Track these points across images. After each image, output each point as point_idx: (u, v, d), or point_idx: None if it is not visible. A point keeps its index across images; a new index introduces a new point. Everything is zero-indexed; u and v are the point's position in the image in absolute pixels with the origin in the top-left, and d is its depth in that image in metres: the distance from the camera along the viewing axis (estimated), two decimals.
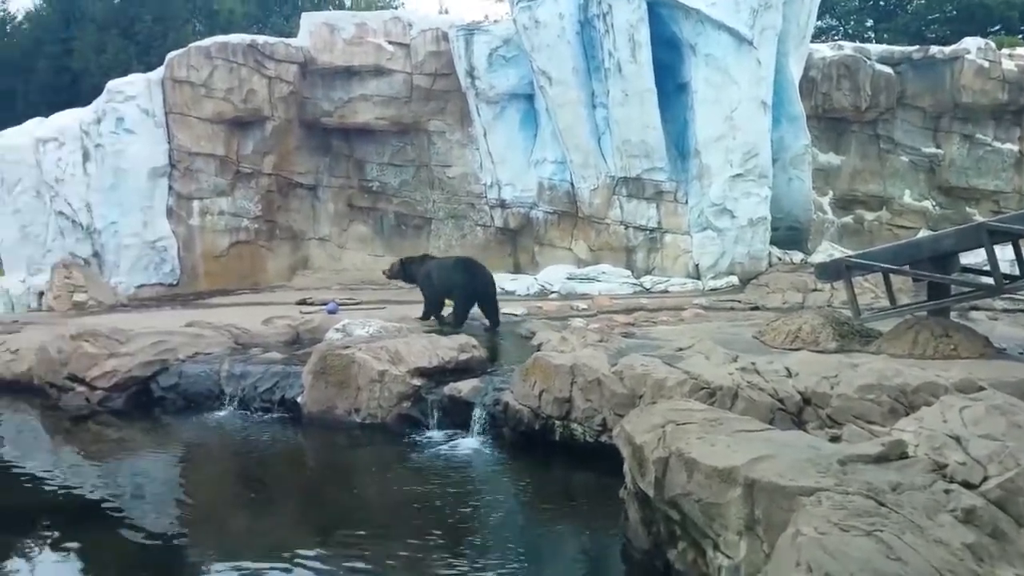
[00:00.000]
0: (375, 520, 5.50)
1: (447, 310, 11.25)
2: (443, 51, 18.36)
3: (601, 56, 16.46)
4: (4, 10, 27.78)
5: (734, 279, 16.04)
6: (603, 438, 6.02)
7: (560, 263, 17.52)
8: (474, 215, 19.05)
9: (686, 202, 16.66)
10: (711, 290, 15.60)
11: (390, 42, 18.55)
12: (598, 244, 17.35)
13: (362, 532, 5.22)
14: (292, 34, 20.60)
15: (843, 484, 3.47)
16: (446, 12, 29.36)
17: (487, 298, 11.08)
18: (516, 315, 11.94)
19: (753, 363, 6.27)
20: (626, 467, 4.68)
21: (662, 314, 11.75)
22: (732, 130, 15.90)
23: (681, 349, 7.29)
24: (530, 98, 18.05)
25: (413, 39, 18.57)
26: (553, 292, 16.12)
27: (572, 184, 17.57)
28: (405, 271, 11.94)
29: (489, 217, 18.76)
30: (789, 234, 17.44)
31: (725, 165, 16.01)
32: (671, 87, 16.57)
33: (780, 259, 16.78)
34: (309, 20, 19.05)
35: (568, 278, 16.55)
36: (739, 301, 13.64)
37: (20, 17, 27.98)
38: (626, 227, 17.08)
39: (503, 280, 17.07)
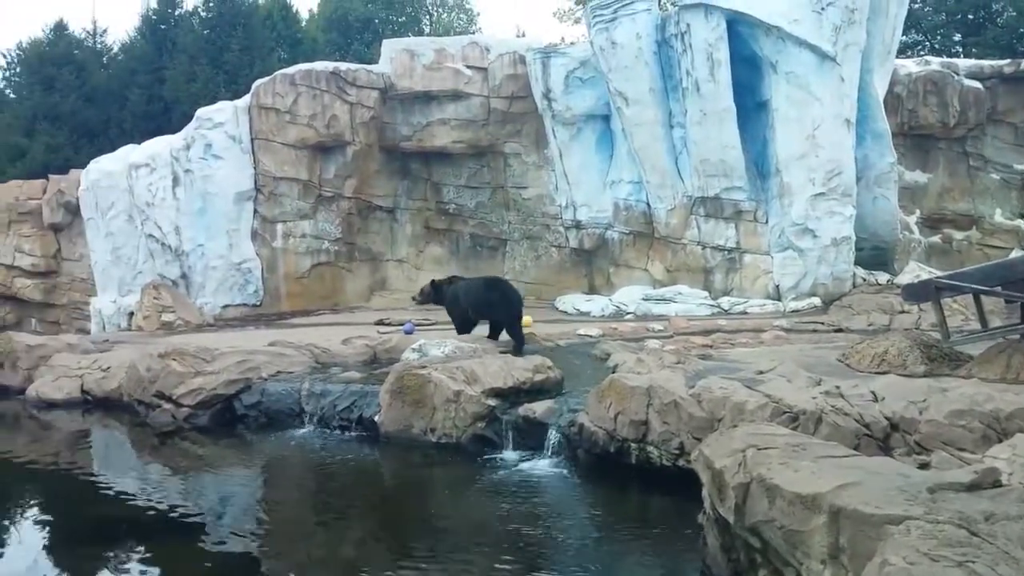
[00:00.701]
0: (450, 540, 5.50)
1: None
2: (520, 74, 18.51)
3: (679, 75, 16.35)
4: (102, 43, 29.12)
5: (816, 300, 15.63)
6: (680, 462, 5.90)
7: (635, 284, 17.38)
8: (549, 236, 19.08)
9: (766, 222, 16.35)
10: (792, 311, 15.22)
11: (468, 66, 18.80)
12: (675, 265, 17.16)
13: (437, 552, 5.22)
14: (372, 61, 21.10)
15: (933, 513, 3.31)
16: (523, 35, 29.61)
17: (512, 318, 10.72)
18: (591, 336, 11.87)
19: (837, 387, 6.08)
20: (705, 492, 4.57)
21: (741, 336, 11.53)
22: (814, 148, 15.57)
23: (761, 372, 7.11)
24: (606, 119, 18.03)
25: (491, 63, 18.79)
26: (628, 313, 15.99)
27: (648, 204, 17.46)
28: (436, 293, 11.72)
29: (564, 238, 18.76)
30: (874, 254, 16.92)
31: (807, 184, 15.67)
32: (751, 105, 16.34)
33: (865, 280, 16.31)
34: (390, 47, 19.46)
35: (644, 299, 16.40)
36: (822, 323, 13.29)
37: (116, 49, 29.27)
38: (703, 247, 16.85)
39: (578, 301, 17.07)
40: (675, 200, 17.00)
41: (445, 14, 38.98)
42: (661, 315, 15.20)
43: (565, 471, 6.63)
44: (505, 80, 18.68)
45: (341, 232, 19.28)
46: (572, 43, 21.61)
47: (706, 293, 16.46)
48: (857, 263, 16.31)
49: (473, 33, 32.69)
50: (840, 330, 12.50)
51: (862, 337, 9.53)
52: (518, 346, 10.44)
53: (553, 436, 6.89)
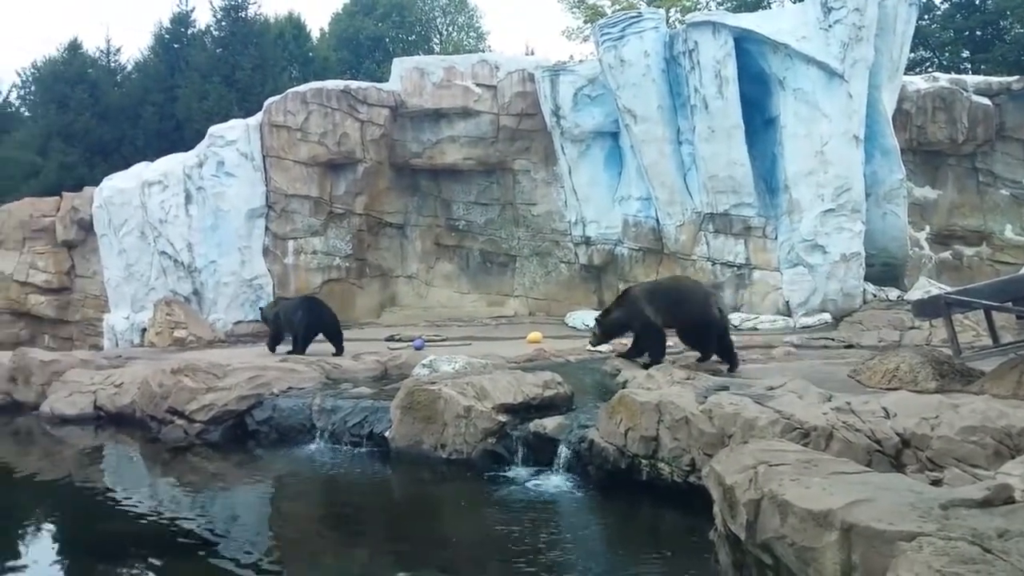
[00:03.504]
0: (461, 556, 5.51)
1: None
2: (529, 91, 18.62)
3: (687, 93, 16.43)
4: (115, 61, 29.40)
5: (827, 316, 15.61)
6: (691, 478, 5.91)
7: None
8: (559, 252, 19.12)
9: (775, 238, 16.37)
10: (802, 327, 15.20)
11: (478, 84, 18.93)
12: None
13: (448, 568, 5.24)
14: (383, 79, 21.24)
15: (946, 529, 3.32)
16: (532, 53, 29.75)
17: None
18: (601, 352, 11.87)
19: (848, 403, 6.08)
20: (716, 508, 4.58)
21: (751, 352, 11.50)
22: (823, 165, 15.61)
23: (772, 388, 7.11)
24: (615, 136, 18.11)
25: (500, 81, 18.90)
26: None
27: (657, 221, 17.50)
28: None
29: (573, 254, 18.80)
30: (884, 270, 16.91)
31: (816, 200, 15.69)
32: (759, 122, 16.40)
33: (875, 296, 16.27)
34: (400, 65, 19.60)
35: None
36: (832, 339, 13.26)
37: (129, 67, 29.57)
38: (713, 263, 16.86)
39: (588, 317, 17.03)
40: (684, 216, 17.04)
41: (455, 33, 39.30)
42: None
43: (576, 487, 6.64)
44: (514, 98, 18.78)
45: (352, 248, 19.36)
46: (581, 61, 21.72)
47: None
48: (867, 279, 16.29)
49: (482, 51, 32.92)
50: (851, 346, 12.47)
51: (873, 353, 9.51)
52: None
53: (564, 452, 6.90)
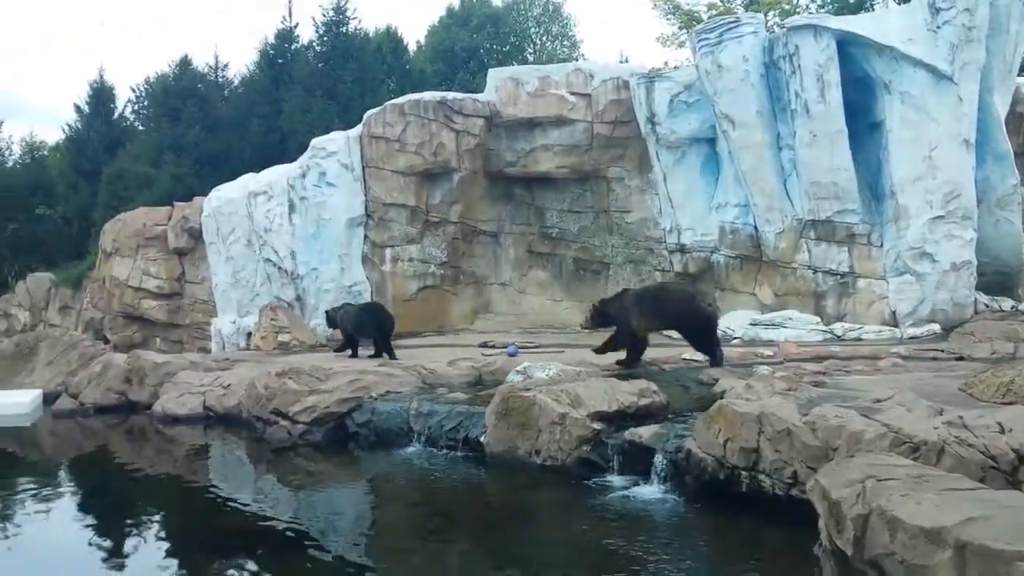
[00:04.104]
0: (553, 562, 5.51)
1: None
2: (623, 99, 18.53)
3: (787, 97, 16.06)
4: (223, 77, 30.61)
5: (935, 327, 14.97)
6: (794, 491, 5.76)
7: (742, 308, 17.04)
8: (653, 260, 18.94)
9: (881, 245, 15.81)
10: (910, 338, 14.62)
11: (572, 93, 18.94)
12: (784, 289, 16.76)
13: (537, 571, 5.24)
14: (477, 89, 21.51)
15: None
16: (626, 61, 29.65)
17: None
18: (696, 361, 11.69)
19: (961, 417, 5.82)
20: (821, 523, 4.47)
21: (856, 363, 11.14)
22: (931, 170, 15.02)
23: (879, 400, 6.88)
24: (711, 142, 17.84)
25: (594, 89, 18.87)
26: (735, 338, 15.67)
27: (756, 228, 17.14)
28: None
29: (668, 262, 18.58)
30: (997, 279, 16.12)
31: (924, 207, 15.10)
32: (863, 127, 15.90)
33: (988, 306, 15.54)
34: (495, 75, 19.80)
35: (751, 324, 16.06)
36: (942, 351, 12.71)
37: (236, 82, 30.73)
38: (815, 271, 16.41)
39: None
40: (784, 223, 16.64)
41: (549, 42, 39.42)
42: (770, 341, 14.84)
43: (672, 497, 6.56)
44: (608, 105, 18.73)
45: (447, 256, 19.64)
46: (676, 67, 21.54)
47: (818, 318, 15.99)
48: (979, 288, 15.57)
49: (576, 60, 32.96)
50: (961, 358, 11.93)
51: (986, 366, 9.09)
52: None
53: (660, 461, 6.82)
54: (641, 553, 5.40)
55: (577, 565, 5.39)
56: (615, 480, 7.02)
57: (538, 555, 5.66)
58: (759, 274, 17.24)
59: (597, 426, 7.48)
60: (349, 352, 13.91)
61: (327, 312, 15.53)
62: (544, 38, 39.58)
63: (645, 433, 7.19)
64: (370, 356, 13.23)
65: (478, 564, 5.55)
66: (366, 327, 13.78)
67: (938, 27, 14.90)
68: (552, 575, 5.22)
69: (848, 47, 15.47)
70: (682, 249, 18.19)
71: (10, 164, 32.15)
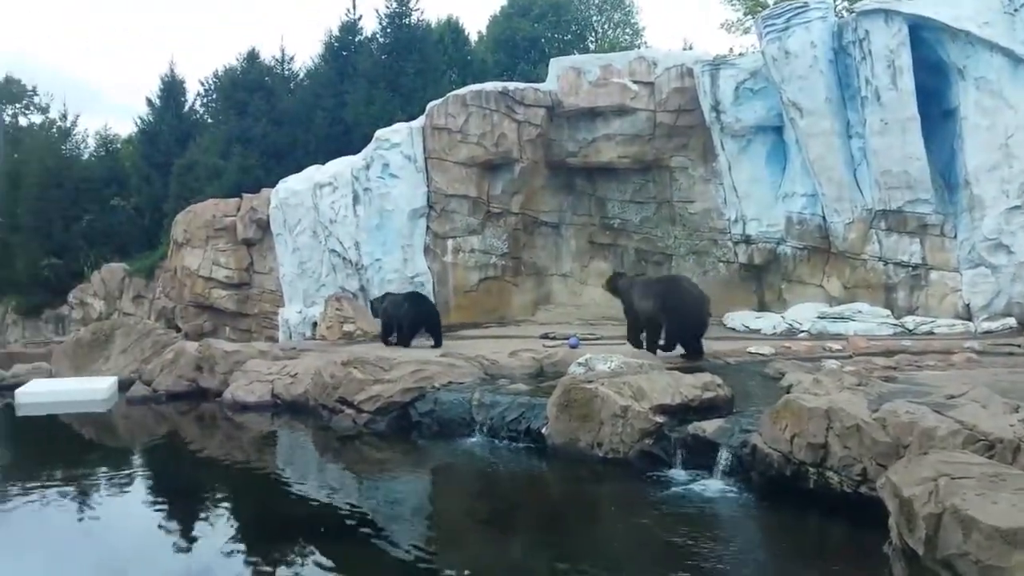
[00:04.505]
0: (615, 556, 5.48)
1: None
2: (687, 87, 18.30)
3: (857, 84, 15.66)
4: (289, 69, 31.08)
5: (1011, 321, 14.49)
6: (863, 488, 5.62)
7: (810, 301, 16.73)
8: (716, 251, 18.70)
9: (954, 236, 15.34)
10: (985, 333, 14.17)
11: (634, 81, 18.79)
12: (853, 281, 16.39)
13: (602, 567, 5.22)
14: (537, 80, 21.45)
15: None
16: (690, 48, 29.19)
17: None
18: (762, 354, 11.51)
19: None
20: (891, 521, 4.36)
21: (928, 358, 10.84)
22: (1008, 158, 14.50)
23: (952, 396, 6.66)
24: (778, 130, 17.51)
25: (657, 77, 18.69)
26: (802, 332, 15.40)
27: (824, 218, 16.78)
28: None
29: (733, 253, 18.33)
30: None
31: (1000, 196, 14.59)
32: (936, 113, 15.42)
33: None
34: (557, 65, 19.74)
35: (819, 317, 15.75)
36: (1018, 345, 12.28)
37: (302, 75, 31.17)
38: (885, 263, 16.00)
39: (748, 318, 16.59)
40: (853, 214, 16.26)
41: (611, 30, 39.08)
42: (838, 334, 14.55)
43: (737, 493, 6.46)
44: (672, 93, 18.52)
45: (508, 247, 19.69)
46: (741, 54, 21.16)
47: (888, 312, 15.60)
48: None
49: (639, 48, 32.61)
50: None
51: None
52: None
53: (724, 456, 6.72)
54: (704, 549, 5.34)
55: (639, 560, 5.35)
56: (678, 474, 6.94)
57: (599, 549, 5.65)
58: (827, 266, 16.89)
59: (660, 419, 7.41)
60: (395, 340, 14.48)
61: (371, 302, 16.05)
62: (606, 26, 39.25)
63: (709, 427, 7.09)
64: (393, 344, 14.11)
65: (538, 556, 5.55)
66: (411, 317, 14.24)
67: (1016, 9, 14.38)
68: (613, 570, 5.19)
69: (920, 31, 15.01)
70: (747, 240, 17.91)
71: (86, 157, 33.20)
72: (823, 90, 16.01)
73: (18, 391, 11.96)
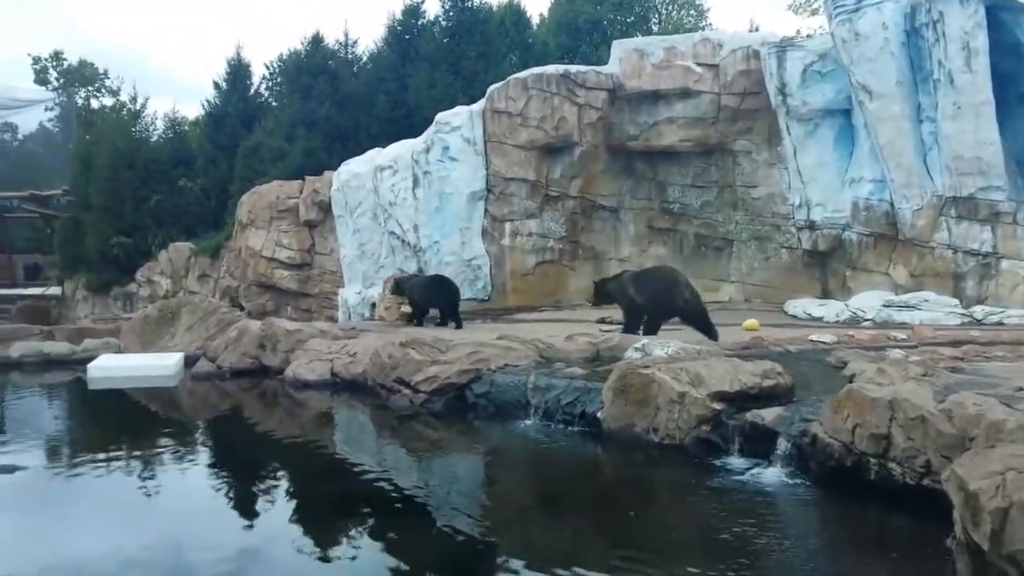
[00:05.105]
0: (670, 543, 5.46)
1: None
2: (753, 69, 17.97)
3: (929, 67, 15.18)
4: (352, 53, 31.35)
5: None
6: (926, 481, 5.49)
7: (875, 289, 16.34)
8: (779, 237, 18.38)
9: None
10: None
11: (698, 63, 18.51)
12: (920, 269, 15.95)
13: (656, 552, 5.20)
14: (600, 62, 21.28)
15: None
16: (756, 30, 28.61)
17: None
18: (825, 343, 11.28)
19: None
20: (956, 515, 4.25)
21: (996, 348, 10.49)
22: None
23: (1021, 389, 6.46)
24: (846, 114, 17.08)
25: (722, 59, 18.38)
26: (866, 320, 15.05)
27: (892, 204, 16.34)
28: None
29: (796, 239, 17.99)
30: None
31: None
32: (1011, 97, 14.93)
33: None
34: (620, 47, 19.54)
35: (884, 305, 15.37)
36: None
37: (365, 58, 31.42)
38: (954, 251, 15.53)
39: (810, 306, 16.28)
40: (923, 200, 15.80)
41: (675, 12, 38.54)
42: (903, 323, 14.18)
43: (795, 482, 6.36)
44: (737, 76, 18.20)
45: (566, 231, 19.64)
46: (809, 35, 20.69)
47: (956, 301, 15.15)
48: None
49: (703, 29, 32.09)
50: None
51: None
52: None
53: (783, 445, 6.63)
54: (762, 539, 5.28)
55: (695, 548, 5.31)
56: (735, 462, 6.87)
57: (654, 535, 5.62)
58: (894, 253, 16.46)
59: (718, 406, 7.32)
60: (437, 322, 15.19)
61: (396, 282, 16.40)
62: (670, 7, 38.73)
63: (768, 415, 6.99)
64: (436, 324, 14.75)
65: (593, 541, 5.55)
66: (434, 298, 15.00)
67: None
68: (669, 556, 5.16)
69: (998, 12, 14.51)
70: (811, 226, 17.56)
71: (155, 139, 34.03)
72: (894, 73, 15.55)
73: (90, 365, 12.38)
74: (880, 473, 5.87)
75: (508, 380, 9.16)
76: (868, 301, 15.77)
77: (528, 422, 8.57)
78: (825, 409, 6.47)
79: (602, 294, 13.04)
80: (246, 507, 6.39)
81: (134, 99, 35.59)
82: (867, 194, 16.79)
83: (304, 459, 8.02)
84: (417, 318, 15.32)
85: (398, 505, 6.19)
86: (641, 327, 11.89)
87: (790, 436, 6.63)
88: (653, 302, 11.94)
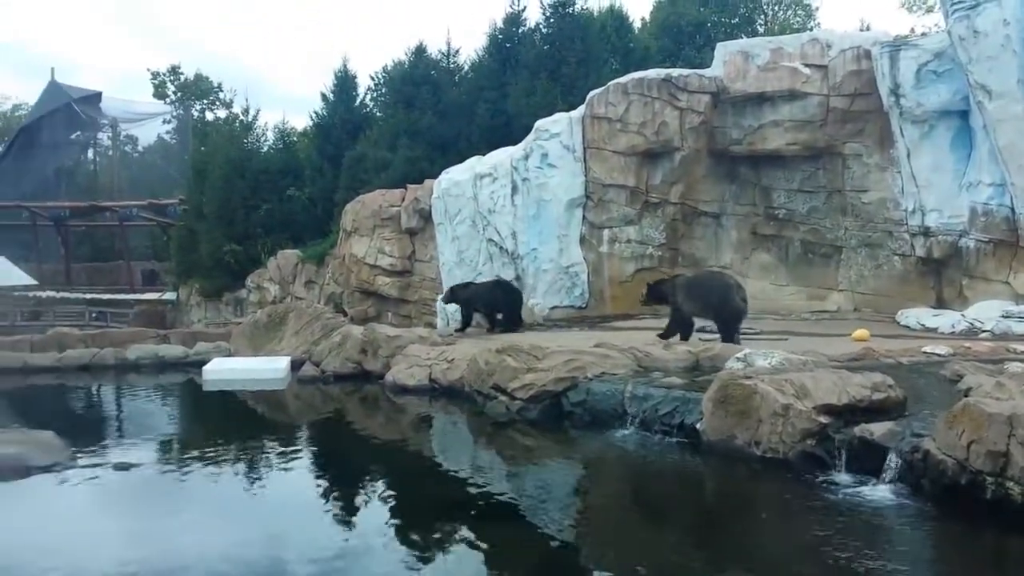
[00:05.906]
0: (773, 561, 5.29)
1: None
2: (864, 70, 17.32)
3: None
4: (454, 63, 31.78)
5: None
6: None
7: (993, 298, 15.45)
8: (891, 243, 17.64)
9: None
10: None
11: (806, 64, 17.96)
12: None
13: (755, 571, 5.05)
14: (703, 65, 20.91)
15: None
16: (867, 29, 27.59)
17: None
18: (939, 355, 10.75)
19: None
20: None
21: None
22: None
23: None
24: (963, 115, 16.26)
25: (831, 60, 17.79)
26: (984, 331, 14.26)
27: (1013, 210, 15.44)
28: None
29: (909, 246, 17.22)
30: None
31: None
32: None
33: None
34: (724, 49, 19.14)
35: (1004, 316, 14.53)
36: None
37: (466, 67, 31.80)
38: None
39: (924, 316, 15.57)
40: None
41: (781, 12, 37.57)
42: None
43: (906, 500, 6.08)
44: (847, 77, 17.58)
45: (665, 238, 19.37)
46: (924, 34, 19.83)
47: None
48: None
49: (811, 29, 31.17)
50: None
51: None
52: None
53: (893, 461, 6.33)
54: (869, 560, 5.05)
55: (798, 566, 5.14)
56: (841, 478, 6.61)
57: (755, 553, 5.46)
58: (1014, 261, 15.54)
59: (824, 419, 7.07)
60: (489, 327, 16.11)
61: (451, 290, 16.98)
62: (776, 8, 37.77)
63: (877, 430, 6.70)
64: (500, 331, 15.47)
65: (691, 556, 5.44)
66: (499, 303, 15.60)
67: None
68: (767, 571, 5.01)
69: None
70: (926, 232, 16.78)
71: (265, 149, 35.29)
72: (1016, 72, 14.69)
73: (205, 368, 12.94)
74: (997, 492, 5.55)
75: (605, 389, 9.08)
76: (986, 311, 14.94)
77: (625, 432, 8.47)
78: (939, 424, 6.16)
79: (654, 296, 13.21)
80: (346, 508, 6.55)
81: (246, 111, 37.01)
82: (986, 199, 15.92)
83: (403, 463, 8.16)
84: (464, 328, 16.11)
85: (493, 511, 6.22)
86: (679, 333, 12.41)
87: (901, 452, 6.34)
88: (709, 305, 12.13)
